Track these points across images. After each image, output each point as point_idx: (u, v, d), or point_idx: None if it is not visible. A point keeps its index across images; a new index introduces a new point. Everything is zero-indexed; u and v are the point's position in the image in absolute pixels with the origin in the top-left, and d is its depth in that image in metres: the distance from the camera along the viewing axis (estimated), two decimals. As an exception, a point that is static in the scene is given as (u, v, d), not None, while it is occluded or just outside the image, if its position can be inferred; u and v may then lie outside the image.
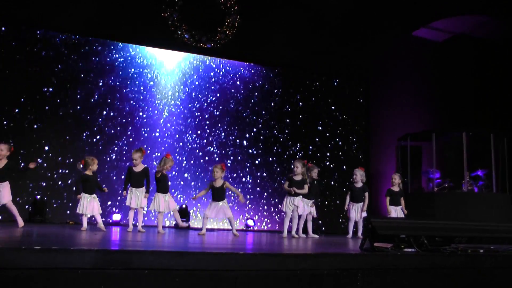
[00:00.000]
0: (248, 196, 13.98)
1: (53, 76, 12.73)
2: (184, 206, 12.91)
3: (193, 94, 14.22)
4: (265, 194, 14.38)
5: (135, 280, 3.20)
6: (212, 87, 14.44)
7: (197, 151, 13.95)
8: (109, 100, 13.23)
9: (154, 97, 13.81)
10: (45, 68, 12.71)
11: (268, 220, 14.34)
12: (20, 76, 12.37)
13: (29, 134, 12.15)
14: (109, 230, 8.40)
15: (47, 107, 12.57)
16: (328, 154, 15.41)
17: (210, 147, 14.14)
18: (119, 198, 12.39)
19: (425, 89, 14.98)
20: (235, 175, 14.11)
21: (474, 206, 11.46)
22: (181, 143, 13.88)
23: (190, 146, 13.96)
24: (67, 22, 12.63)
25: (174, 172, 13.32)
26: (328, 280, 3.73)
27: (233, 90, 14.66)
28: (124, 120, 13.30)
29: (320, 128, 15.51)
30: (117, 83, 13.39)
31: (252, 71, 14.99)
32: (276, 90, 15.14)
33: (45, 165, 12.14)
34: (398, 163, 13.99)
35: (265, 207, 14.29)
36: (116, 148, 13.05)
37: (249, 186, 14.27)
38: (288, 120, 15.14)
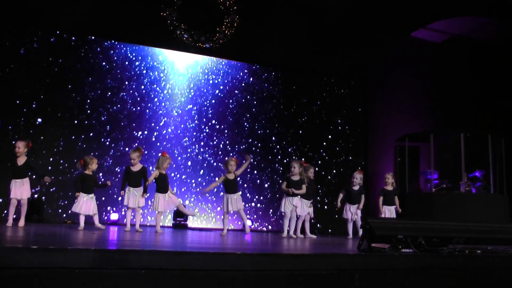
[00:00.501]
0: (248, 196, 14.00)
1: (54, 77, 12.76)
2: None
3: (197, 95, 14.27)
4: (265, 194, 14.38)
5: (132, 279, 3.19)
6: (214, 89, 14.47)
7: (200, 152, 13.98)
8: (111, 101, 13.26)
9: (160, 98, 13.85)
10: (48, 69, 12.75)
11: (267, 221, 14.35)
12: (21, 76, 12.41)
13: (28, 133, 12.13)
14: (106, 229, 8.39)
15: (49, 108, 12.59)
16: (326, 154, 15.41)
17: (211, 149, 14.16)
18: (115, 197, 12.39)
19: (423, 90, 15.01)
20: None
21: (471, 207, 11.46)
22: (185, 144, 13.92)
23: (194, 147, 14.01)
24: (65, 22, 12.61)
25: (176, 173, 13.35)
26: (325, 281, 3.73)
27: (236, 91, 14.68)
28: (127, 122, 13.35)
29: (318, 128, 15.51)
30: (118, 84, 13.42)
31: (251, 71, 14.99)
32: (274, 91, 15.14)
33: (40, 163, 12.13)
34: (396, 164, 14.01)
35: (264, 208, 14.29)
36: (116, 150, 13.07)
37: (249, 186, 14.27)
38: (286, 121, 15.14)
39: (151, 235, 7.25)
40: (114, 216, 12.37)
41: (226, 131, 14.39)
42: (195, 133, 14.04)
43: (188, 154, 13.87)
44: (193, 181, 13.72)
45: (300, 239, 8.55)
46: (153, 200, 8.44)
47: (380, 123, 15.71)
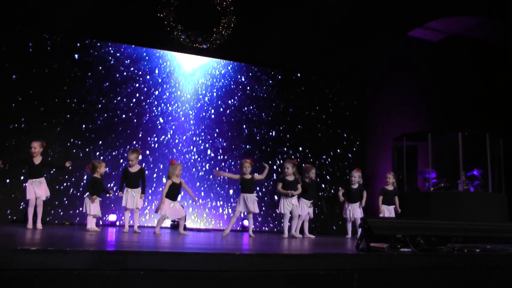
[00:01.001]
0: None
1: (53, 78, 12.79)
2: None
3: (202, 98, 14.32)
4: (263, 195, 14.39)
5: (131, 281, 3.19)
6: (218, 91, 14.51)
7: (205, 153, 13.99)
8: (116, 102, 13.31)
9: (168, 101, 13.89)
10: (54, 71, 12.78)
11: (267, 221, 14.36)
12: (26, 78, 12.45)
13: (27, 134, 12.14)
14: (104, 231, 8.39)
15: (49, 110, 12.60)
16: (324, 154, 15.43)
17: (213, 153, 14.20)
18: (112, 198, 12.40)
19: (421, 89, 15.00)
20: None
21: (470, 206, 11.47)
22: (191, 146, 13.96)
23: (202, 148, 14.09)
24: (63, 22, 12.61)
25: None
26: (324, 281, 3.73)
27: (235, 92, 14.71)
28: (130, 124, 13.41)
29: (317, 128, 15.51)
30: (119, 86, 13.45)
31: (251, 72, 15.00)
32: (270, 91, 15.14)
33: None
34: (394, 163, 14.01)
35: (264, 208, 14.29)
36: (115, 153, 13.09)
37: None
38: (284, 121, 15.14)
39: (150, 236, 7.26)
40: (112, 217, 12.36)
41: (227, 133, 14.41)
42: (196, 137, 14.07)
43: (189, 157, 13.90)
44: (198, 184, 13.72)
45: (299, 239, 8.55)
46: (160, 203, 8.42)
47: (378, 123, 15.72)
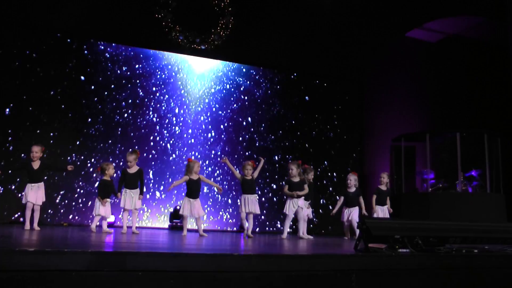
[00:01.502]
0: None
1: (63, 81, 12.86)
2: (178, 207, 12.90)
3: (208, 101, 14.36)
4: (263, 196, 14.41)
5: (129, 281, 3.19)
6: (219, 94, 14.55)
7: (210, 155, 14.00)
8: (119, 105, 13.35)
9: (177, 103, 13.95)
10: (61, 73, 12.84)
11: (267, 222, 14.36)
12: (33, 80, 12.50)
13: (27, 135, 12.17)
14: (99, 231, 8.37)
15: (48, 111, 12.62)
16: (322, 155, 15.43)
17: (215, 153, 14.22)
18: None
19: (419, 90, 15.01)
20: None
21: (468, 207, 11.46)
22: (200, 148, 14.03)
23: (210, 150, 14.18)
24: (61, 25, 12.62)
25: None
26: (322, 281, 3.73)
27: (233, 93, 14.72)
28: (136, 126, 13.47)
29: (314, 129, 15.52)
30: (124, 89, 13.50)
31: (249, 73, 15.00)
32: (268, 92, 15.14)
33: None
34: (392, 164, 14.00)
35: (265, 209, 14.30)
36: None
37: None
38: (282, 122, 15.15)
39: (148, 236, 7.25)
40: (110, 219, 12.34)
41: (225, 135, 14.45)
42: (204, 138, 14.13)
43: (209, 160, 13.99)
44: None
45: (298, 240, 8.54)
46: (182, 203, 8.52)
47: (376, 123, 15.73)
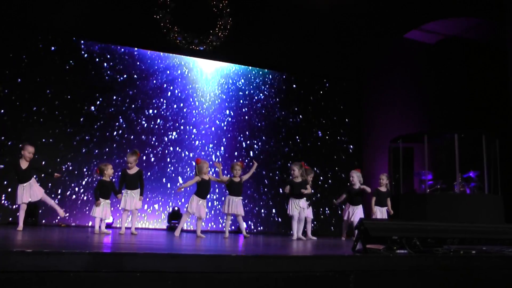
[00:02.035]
0: (246, 199, 14.03)
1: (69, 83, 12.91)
2: (176, 208, 12.90)
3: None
4: (262, 197, 14.41)
5: (127, 282, 3.19)
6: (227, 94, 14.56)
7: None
8: (126, 107, 13.40)
9: (185, 104, 14.00)
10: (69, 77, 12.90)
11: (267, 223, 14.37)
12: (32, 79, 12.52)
13: (25, 135, 12.18)
14: (101, 232, 8.37)
15: (48, 112, 12.64)
16: (320, 156, 15.43)
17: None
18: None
19: (417, 91, 15.03)
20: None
21: (466, 208, 11.47)
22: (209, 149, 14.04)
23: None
24: (59, 23, 12.61)
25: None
26: (320, 282, 3.73)
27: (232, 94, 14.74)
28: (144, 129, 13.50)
29: (313, 130, 15.52)
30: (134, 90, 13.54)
31: (247, 74, 15.00)
32: (267, 93, 15.15)
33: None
34: (390, 165, 14.01)
35: (261, 210, 14.30)
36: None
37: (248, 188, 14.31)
38: (280, 123, 15.15)
39: (146, 237, 7.25)
40: (109, 219, 12.34)
41: (225, 137, 14.46)
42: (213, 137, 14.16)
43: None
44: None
45: (296, 241, 8.54)
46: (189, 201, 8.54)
47: (375, 125, 15.73)
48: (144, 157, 13.16)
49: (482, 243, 5.57)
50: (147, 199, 13.01)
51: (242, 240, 7.96)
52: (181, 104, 14.09)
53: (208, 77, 14.55)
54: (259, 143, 14.80)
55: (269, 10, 13.65)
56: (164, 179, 13.58)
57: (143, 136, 13.49)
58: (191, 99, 14.23)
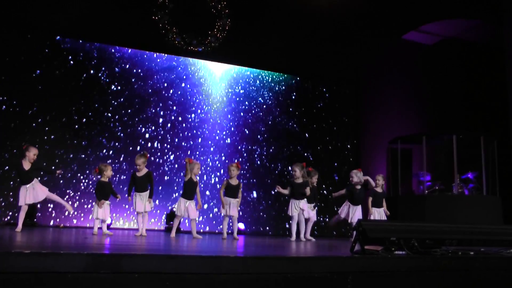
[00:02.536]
0: (248, 199, 14.03)
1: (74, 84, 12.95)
2: (174, 209, 12.90)
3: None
4: (261, 198, 14.42)
5: (125, 283, 3.18)
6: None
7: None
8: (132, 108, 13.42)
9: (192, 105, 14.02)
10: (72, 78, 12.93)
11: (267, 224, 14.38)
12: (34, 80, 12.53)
13: (31, 137, 12.21)
14: (98, 233, 8.37)
15: (48, 113, 12.64)
16: (319, 157, 15.44)
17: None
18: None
19: (416, 92, 15.05)
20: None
21: (464, 209, 11.49)
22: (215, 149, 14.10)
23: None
24: (58, 24, 12.62)
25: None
26: (318, 283, 3.73)
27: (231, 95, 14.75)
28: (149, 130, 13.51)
29: (311, 131, 15.53)
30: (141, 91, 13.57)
31: (245, 75, 15.01)
32: (265, 94, 15.15)
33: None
34: (389, 166, 14.03)
35: (260, 211, 14.31)
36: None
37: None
38: (278, 124, 15.15)
39: (145, 239, 7.24)
40: (108, 220, 12.36)
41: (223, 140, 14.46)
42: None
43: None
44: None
45: (295, 242, 8.54)
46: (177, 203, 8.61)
47: (373, 126, 15.75)
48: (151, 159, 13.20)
49: (481, 244, 5.57)
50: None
51: (240, 241, 7.95)
52: (181, 107, 14.09)
53: (208, 80, 14.56)
54: (259, 146, 14.79)
55: (267, 12, 13.64)
56: (166, 177, 13.59)
57: (141, 140, 13.47)
58: (190, 103, 14.24)
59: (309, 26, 14.18)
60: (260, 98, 15.07)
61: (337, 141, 15.86)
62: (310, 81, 15.90)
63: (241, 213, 13.68)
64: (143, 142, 13.50)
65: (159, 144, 13.68)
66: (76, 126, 12.85)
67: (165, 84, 13.96)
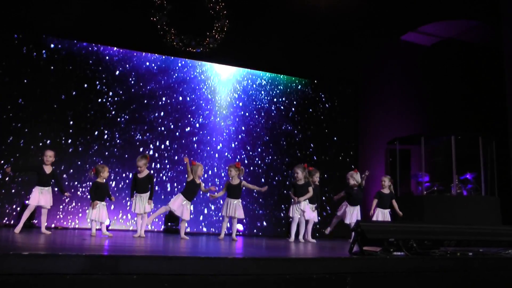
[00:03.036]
0: (248, 199, 14.03)
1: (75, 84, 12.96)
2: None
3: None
4: (261, 199, 14.42)
5: (123, 285, 3.18)
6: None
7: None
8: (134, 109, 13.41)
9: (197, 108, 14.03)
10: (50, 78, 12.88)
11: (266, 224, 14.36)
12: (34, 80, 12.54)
13: (32, 138, 12.21)
14: (97, 235, 8.36)
15: (49, 114, 12.65)
16: (317, 158, 15.42)
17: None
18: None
19: (414, 93, 15.05)
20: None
21: (463, 209, 11.48)
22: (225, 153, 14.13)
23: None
24: (55, 25, 12.60)
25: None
26: (317, 285, 3.73)
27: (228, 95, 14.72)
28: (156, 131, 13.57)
29: (309, 132, 15.52)
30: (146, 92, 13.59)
31: (244, 76, 15.01)
32: (264, 94, 15.15)
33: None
34: (387, 167, 14.03)
35: (259, 211, 14.30)
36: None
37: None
38: (277, 125, 15.15)
39: (143, 240, 7.24)
40: (106, 221, 12.34)
41: (223, 140, 14.44)
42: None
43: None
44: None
45: (294, 243, 8.53)
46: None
47: (371, 126, 15.75)
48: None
49: (479, 245, 5.58)
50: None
51: (238, 243, 7.95)
52: (180, 112, 14.07)
53: (209, 83, 14.55)
54: (258, 147, 14.79)
55: (266, 13, 13.64)
56: (165, 178, 13.59)
57: (139, 142, 13.46)
58: (192, 105, 14.23)
59: (307, 27, 14.17)
60: (258, 100, 15.05)
61: (335, 141, 15.84)
62: (308, 81, 15.89)
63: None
64: (141, 148, 13.45)
65: (157, 148, 13.64)
66: (71, 131, 12.80)
67: (164, 88, 13.91)
